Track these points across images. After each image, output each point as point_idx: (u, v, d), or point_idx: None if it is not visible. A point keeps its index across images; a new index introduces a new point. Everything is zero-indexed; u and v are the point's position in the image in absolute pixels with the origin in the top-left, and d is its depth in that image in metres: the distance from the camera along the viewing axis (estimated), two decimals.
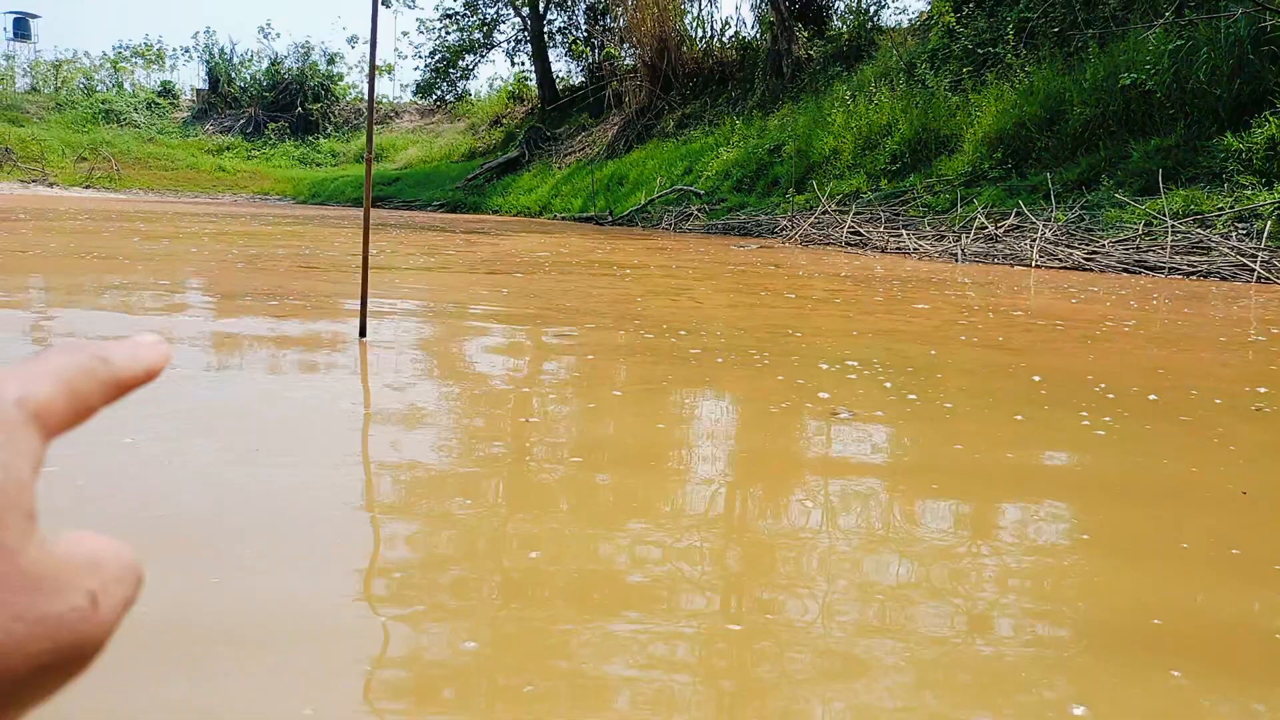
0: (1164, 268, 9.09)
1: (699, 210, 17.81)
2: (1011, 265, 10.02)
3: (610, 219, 19.58)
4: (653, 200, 19.16)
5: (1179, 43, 11.84)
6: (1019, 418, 2.87)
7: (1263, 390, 3.44)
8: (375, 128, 38.92)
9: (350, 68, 48.02)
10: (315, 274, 6.32)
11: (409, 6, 35.67)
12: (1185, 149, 11.25)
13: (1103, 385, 3.41)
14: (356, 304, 4.31)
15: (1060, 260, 9.85)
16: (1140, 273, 9.17)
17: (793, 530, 1.89)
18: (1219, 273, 8.90)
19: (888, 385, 3.26)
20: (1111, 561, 1.76)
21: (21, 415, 0.24)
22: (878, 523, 1.94)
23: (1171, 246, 9.40)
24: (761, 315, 5.16)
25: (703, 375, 3.46)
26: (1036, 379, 3.56)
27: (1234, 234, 9.64)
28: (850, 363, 3.68)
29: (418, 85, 32.42)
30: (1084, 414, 2.91)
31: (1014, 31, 15.44)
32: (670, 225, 17.66)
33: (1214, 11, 11.86)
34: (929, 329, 4.90)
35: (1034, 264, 9.87)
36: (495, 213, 25.04)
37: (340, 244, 10.13)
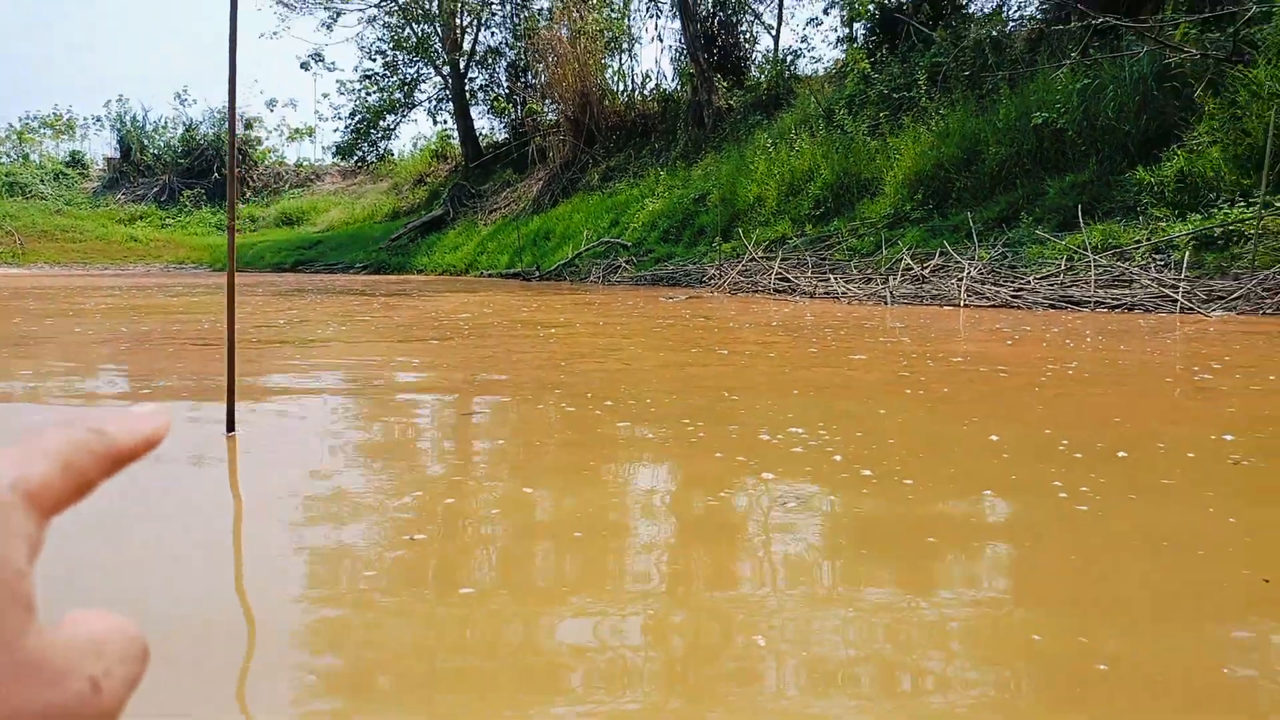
0: (1089, 302, 9.05)
1: (627, 262, 17.55)
2: (940, 305, 9.90)
3: (538, 274, 19.20)
4: (580, 254, 18.86)
5: (1086, 81, 12.07)
6: (988, 493, 2.52)
7: (1229, 438, 3.17)
8: (296, 190, 38.14)
9: (270, 131, 47.17)
10: (209, 351, 5.76)
11: (328, 69, 35.22)
12: (1099, 184, 11.39)
13: (1065, 443, 3.09)
14: (248, 384, 3.83)
15: (988, 299, 9.76)
16: (1066, 308, 9.11)
17: (743, 688, 1.48)
18: (1143, 305, 8.88)
19: (838, 459, 2.89)
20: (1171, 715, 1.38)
21: (16, 498, 0.24)
22: (856, 669, 1.54)
23: (1095, 281, 9.38)
24: (694, 376, 4.78)
25: (630, 458, 3.05)
26: (995, 439, 3.24)
27: (1152, 265, 9.69)
28: (794, 430, 3.31)
29: (338, 147, 31.80)
30: (1057, 483, 2.57)
31: (926, 76, 15.69)
32: (599, 278, 17.35)
33: (1117, 51, 12.14)
34: (871, 384, 4.59)
35: (962, 304, 9.77)
36: (420, 272, 24.47)
37: (249, 314, 9.51)
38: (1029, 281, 9.94)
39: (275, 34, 45.54)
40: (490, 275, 21.20)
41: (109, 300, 11.82)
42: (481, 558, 2.08)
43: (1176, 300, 8.53)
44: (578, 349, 6.08)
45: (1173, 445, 3.12)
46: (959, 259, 11.11)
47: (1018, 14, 16.79)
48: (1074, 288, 9.55)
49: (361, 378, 4.83)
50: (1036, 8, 16.45)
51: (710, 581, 1.91)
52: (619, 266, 17.49)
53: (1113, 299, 9.06)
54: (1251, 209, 9.34)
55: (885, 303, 10.37)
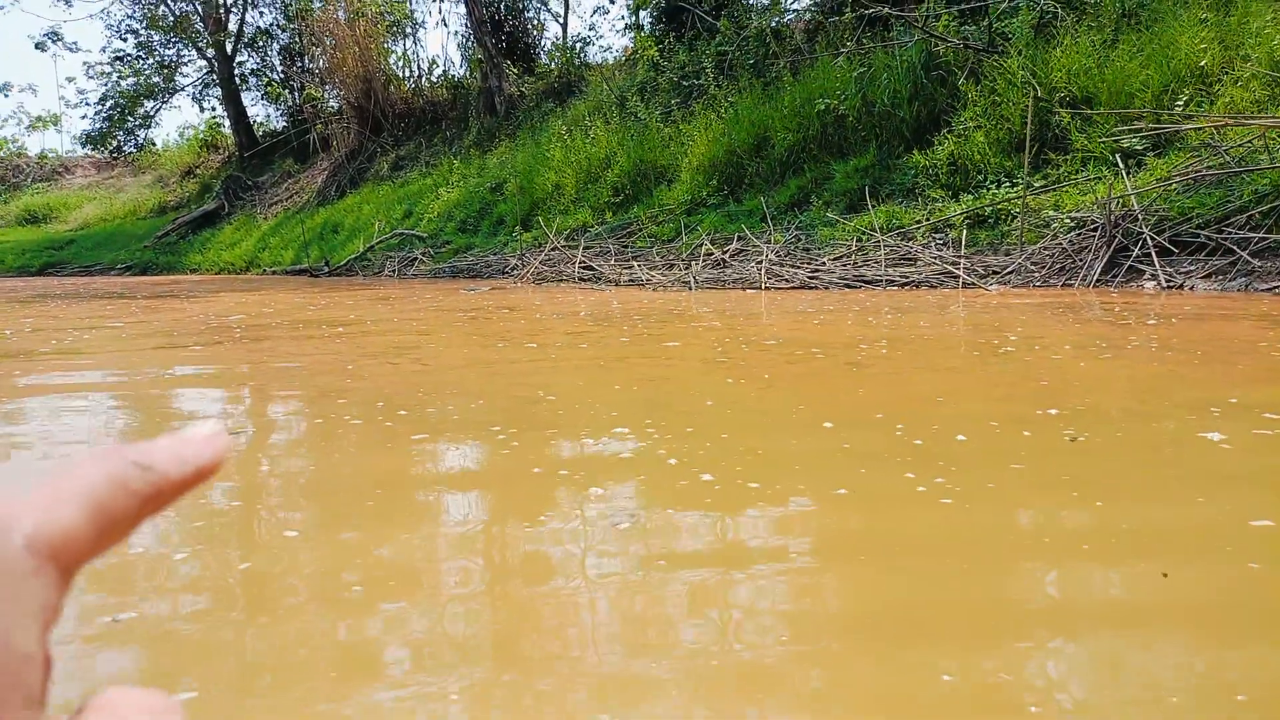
0: (880, 280, 9.31)
1: (423, 254, 16.65)
2: (743, 289, 9.90)
3: (327, 270, 17.87)
4: (372, 247, 17.72)
5: (861, 69, 12.51)
6: (842, 491, 2.23)
7: (1054, 413, 3.09)
8: (40, 185, 33.90)
9: (3, 120, 41.98)
10: None
11: (70, 50, 31.24)
12: (880, 167, 11.83)
13: (900, 428, 2.89)
14: None
15: (787, 280, 9.86)
16: (860, 287, 9.34)
17: None
18: (928, 281, 9.24)
19: (672, 462, 2.52)
20: None
21: (31, 562, 0.20)
22: None
23: (885, 260, 9.68)
24: (503, 374, 4.29)
25: (431, 483, 2.53)
26: (829, 425, 2.99)
27: (932, 244, 10.14)
28: (619, 430, 2.92)
29: (88, 135, 28.34)
30: (910, 475, 2.32)
31: (714, 64, 15.83)
32: (394, 272, 16.35)
33: (889, 40, 12.66)
34: (690, 373, 4.28)
35: (763, 286, 9.81)
36: (194, 272, 22.26)
37: None
38: (824, 263, 10.13)
39: (1, 7, 40.22)
40: (274, 273, 19.55)
41: None
42: (207, 647, 1.52)
43: (958, 276, 8.92)
44: (368, 349, 5.42)
45: (1006, 424, 2.98)
46: (757, 243, 11.20)
47: (794, 4, 17.30)
48: (865, 267, 9.82)
49: (97, 395, 3.97)
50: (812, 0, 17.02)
51: (532, 659, 1.46)
52: (415, 259, 16.56)
53: (901, 277, 9.37)
54: (1015, 189, 9.96)
55: (689, 288, 10.26)
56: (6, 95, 54.36)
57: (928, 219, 10.40)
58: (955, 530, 1.94)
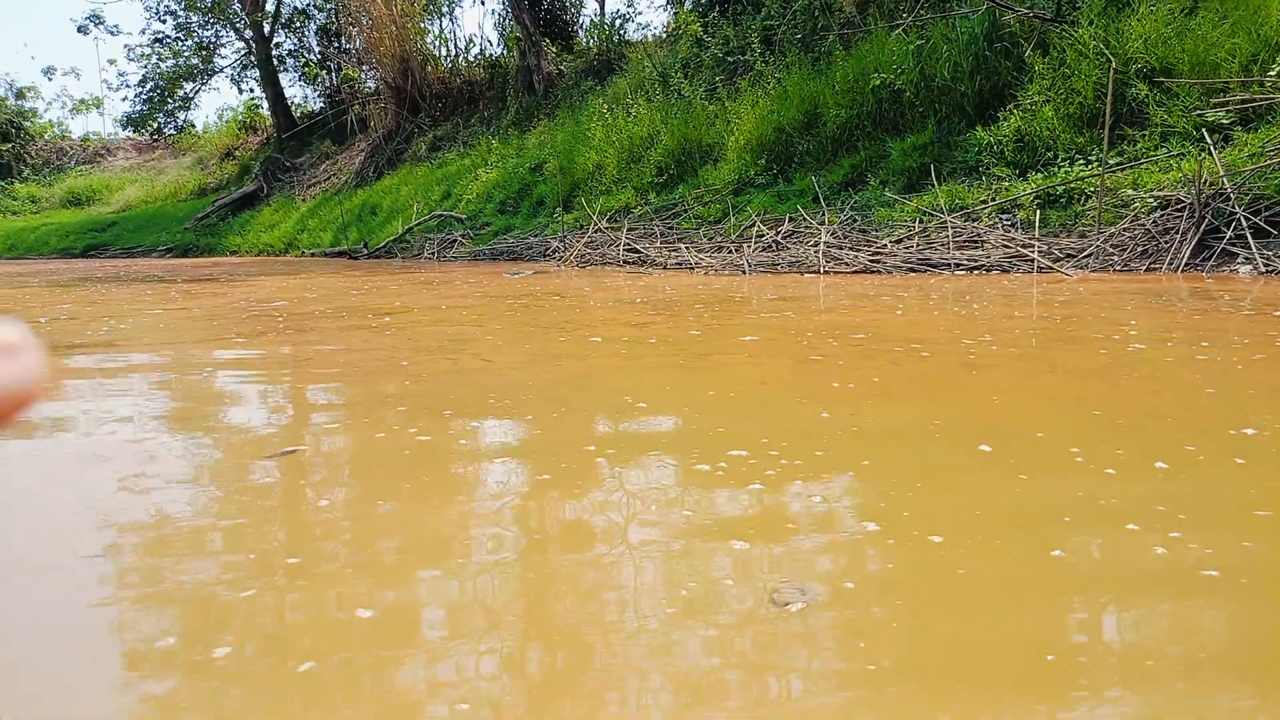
0: (949, 264, 8.70)
1: (463, 236, 16.20)
2: (800, 273, 9.32)
3: (365, 252, 17.49)
4: (411, 229, 17.30)
5: (919, 42, 11.80)
6: (1057, 554, 1.71)
7: (1249, 432, 2.54)
8: (84, 167, 34.06)
9: (49, 103, 42.31)
10: None
11: (112, 33, 31.03)
12: (940, 145, 11.15)
13: (1078, 453, 2.36)
14: None
15: (847, 264, 9.27)
16: (925, 271, 8.73)
17: None
18: (999, 265, 8.62)
19: (819, 504, 2.01)
20: None
21: None
22: None
23: (953, 243, 9.06)
24: (576, 375, 3.80)
25: (534, 533, 2.04)
26: (986, 449, 2.46)
27: (1000, 225, 9.50)
28: (736, 453, 2.41)
29: (128, 118, 28.15)
30: (1148, 533, 1.79)
31: (759, 39, 15.16)
32: (433, 254, 15.92)
33: (947, 11, 11.93)
34: (785, 374, 3.76)
35: (822, 270, 9.23)
36: (234, 254, 22.02)
37: (4, 310, 7.67)
38: (885, 245, 9.52)
39: None
40: (313, 254, 19.23)
41: None
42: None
43: (1031, 259, 8.29)
44: (423, 342, 4.94)
45: (1233, 449, 2.43)
46: (812, 224, 10.60)
47: None
48: (929, 250, 9.20)
49: (135, 399, 3.53)
50: None
51: None
52: (455, 241, 16.12)
53: (970, 260, 8.75)
54: (1090, 167, 9.27)
55: (743, 272, 9.70)
56: (50, 79, 54.75)
57: (993, 199, 9.74)
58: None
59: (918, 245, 9.34)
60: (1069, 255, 8.45)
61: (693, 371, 3.76)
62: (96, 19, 28.40)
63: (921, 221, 9.81)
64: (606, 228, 13.35)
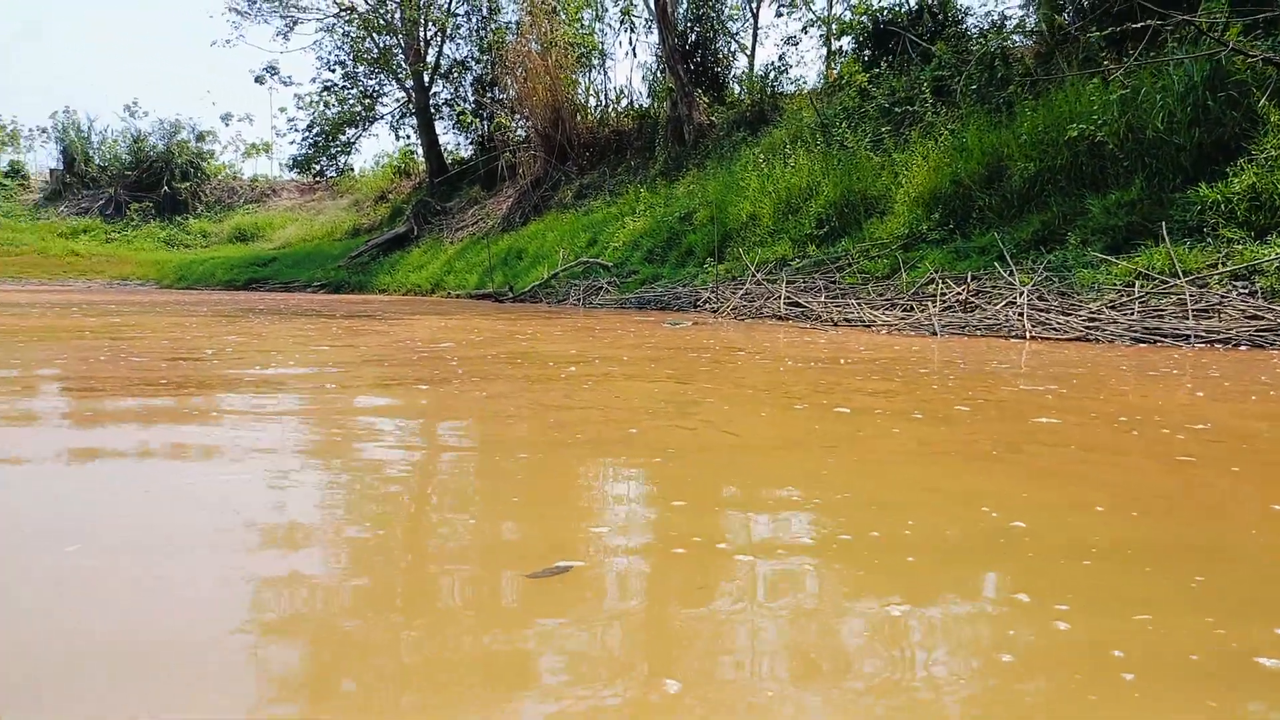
0: (1187, 335, 7.45)
1: (609, 283, 15.71)
2: (1004, 337, 8.23)
3: (511, 295, 17.25)
4: (556, 274, 16.97)
5: (1124, 91, 10.60)
6: None
7: None
8: (250, 206, 35.82)
9: (224, 146, 44.90)
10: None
11: (284, 83, 32.79)
12: (1150, 202, 9.85)
13: None
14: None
15: (1056, 329, 8.12)
16: (1155, 341, 7.50)
17: None
18: (1238, 339, 7.32)
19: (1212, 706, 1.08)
20: None
21: None
22: None
23: (1191, 311, 7.79)
24: (846, 469, 2.92)
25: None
26: None
27: (1234, 292, 8.18)
28: (1145, 607, 1.50)
29: (294, 160, 29.42)
30: None
31: (930, 89, 14.20)
32: (579, 300, 15.48)
33: (1155, 56, 10.69)
34: (1160, 479, 2.80)
35: (1028, 335, 8.12)
36: (383, 292, 22.32)
37: (174, 339, 7.45)
38: (1100, 310, 8.32)
39: (229, 42, 43.14)
40: (458, 296, 19.19)
41: (10, 320, 9.59)
42: None
43: None
44: (633, 402, 4.19)
45: None
46: (1010, 283, 9.48)
47: (1018, 25, 15.38)
48: (1152, 318, 7.96)
49: (311, 458, 2.89)
50: (1034, 18, 15.06)
51: None
52: (601, 288, 15.64)
53: (1207, 331, 7.47)
54: None
55: (932, 334, 8.67)
56: (227, 124, 58.63)
57: (1224, 263, 8.42)
58: None
59: (1139, 312, 8.10)
60: None
61: (1036, 475, 2.82)
62: (272, 70, 29.98)
63: (1140, 286, 8.57)
64: (763, 280, 12.54)
